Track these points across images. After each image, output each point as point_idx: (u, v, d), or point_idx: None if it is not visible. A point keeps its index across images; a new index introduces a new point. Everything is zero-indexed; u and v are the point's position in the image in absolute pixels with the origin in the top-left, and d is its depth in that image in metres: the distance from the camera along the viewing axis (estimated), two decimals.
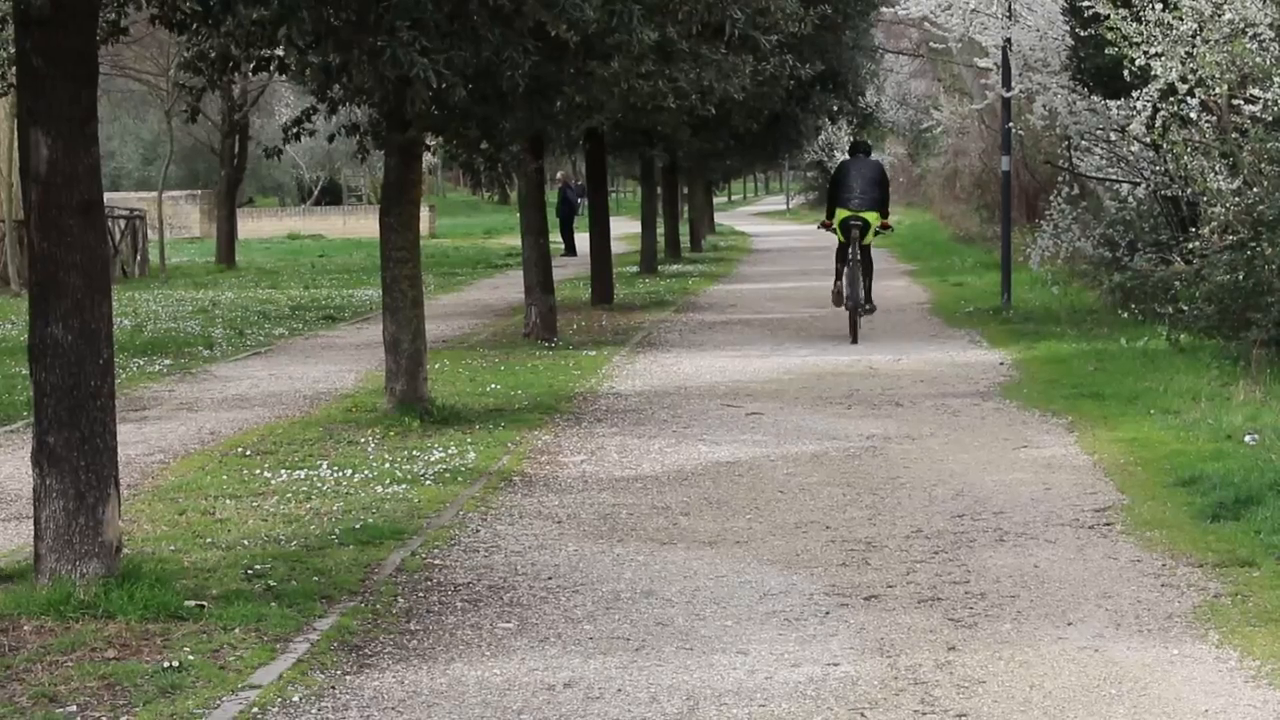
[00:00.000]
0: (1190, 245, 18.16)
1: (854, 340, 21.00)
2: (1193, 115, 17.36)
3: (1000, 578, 8.97)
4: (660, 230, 40.05)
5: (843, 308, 21.58)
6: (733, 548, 9.91)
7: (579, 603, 8.69)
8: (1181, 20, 17.17)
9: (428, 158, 24.94)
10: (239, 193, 45.98)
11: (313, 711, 6.97)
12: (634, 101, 16.89)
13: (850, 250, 21.03)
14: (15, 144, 20.06)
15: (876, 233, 21.39)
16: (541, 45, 12.83)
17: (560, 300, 24.04)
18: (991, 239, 35.92)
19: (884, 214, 21.46)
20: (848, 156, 22.31)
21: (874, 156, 23.71)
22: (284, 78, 16.21)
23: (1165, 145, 18.11)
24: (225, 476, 12.22)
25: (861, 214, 20.98)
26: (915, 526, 10.37)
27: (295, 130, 15.15)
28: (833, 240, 21.80)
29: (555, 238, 36.65)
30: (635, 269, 35.73)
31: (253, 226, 57.44)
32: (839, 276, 21.49)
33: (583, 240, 34.61)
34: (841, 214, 21.11)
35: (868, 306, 21.48)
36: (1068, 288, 25.85)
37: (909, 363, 18.82)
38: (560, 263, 33.07)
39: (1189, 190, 18.38)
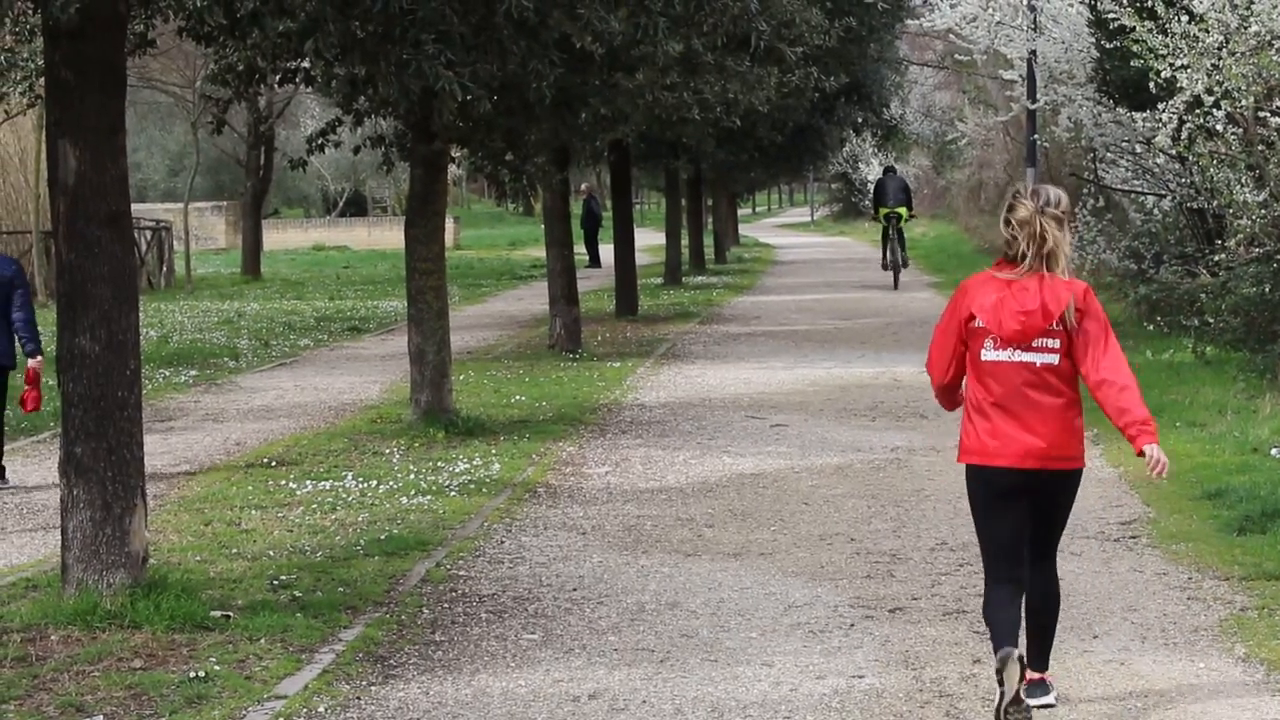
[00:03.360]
0: (1216, 258, 18.11)
1: (895, 287, 33.10)
2: (1219, 127, 17.29)
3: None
4: (685, 242, 40.05)
5: (887, 270, 34.22)
6: (757, 559, 9.91)
7: (604, 614, 8.70)
8: (1207, 32, 17.12)
9: (452, 169, 24.98)
10: (264, 204, 46.08)
11: None
12: (659, 113, 16.91)
13: (890, 232, 33.96)
14: (43, 155, 20.02)
15: (907, 220, 34.59)
16: (567, 57, 12.85)
17: (585, 311, 24.06)
18: None
19: (909, 208, 34.80)
20: (883, 175, 36.05)
21: (898, 172, 37.95)
22: (310, 90, 16.27)
23: (1191, 157, 18.06)
24: (251, 487, 12.26)
25: (896, 209, 33.81)
26: (940, 539, 10.36)
27: (321, 142, 15.20)
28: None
29: (580, 249, 36.68)
30: (660, 280, 35.74)
31: (278, 238, 57.58)
32: (885, 251, 34.64)
33: (607, 252, 34.62)
34: (884, 210, 34.06)
35: (904, 262, 34.62)
36: None
37: None
38: (585, 274, 33.09)
39: (1215, 202, 18.32)
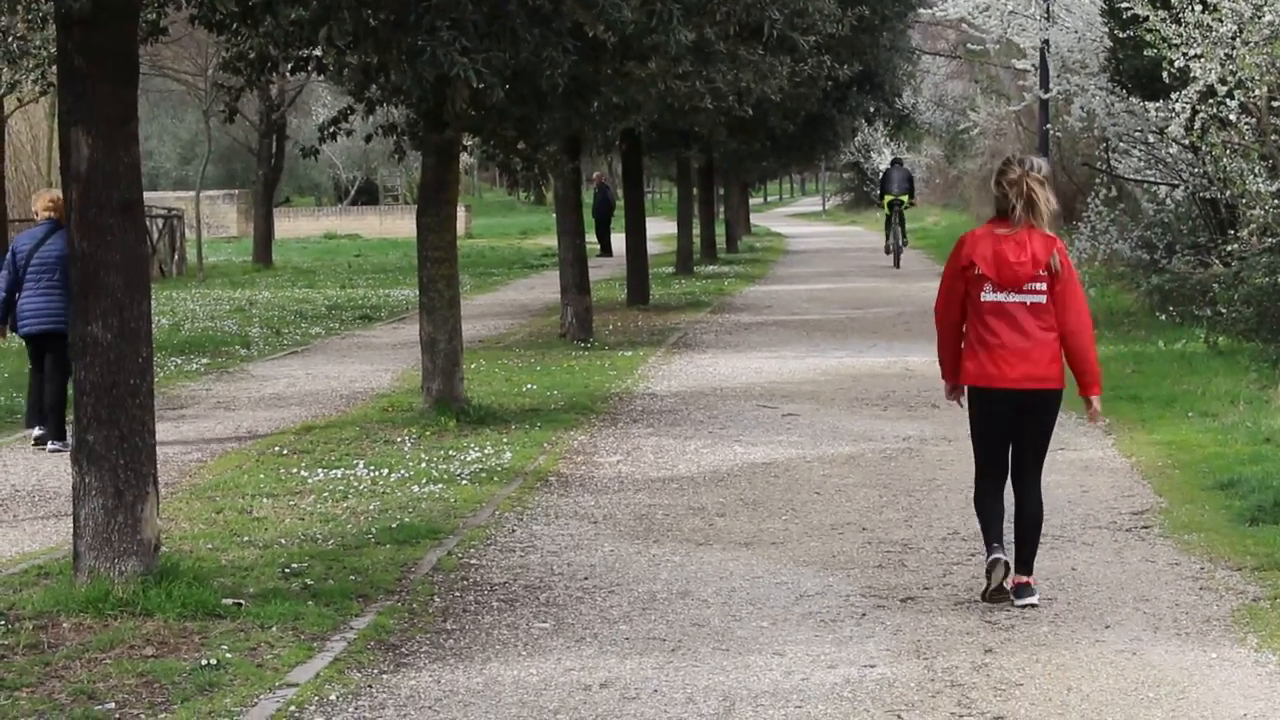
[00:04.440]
0: (1229, 247, 18.08)
1: (897, 266, 36.62)
2: (1232, 117, 17.26)
3: (1037, 580, 8.93)
4: (696, 231, 40.03)
5: (889, 253, 38.04)
6: (769, 549, 9.91)
7: (615, 603, 8.70)
8: (1221, 22, 17.09)
9: (464, 158, 24.98)
10: (276, 192, 46.09)
11: (349, 710, 6.99)
12: (671, 102, 16.89)
13: (892, 218, 37.64)
14: (55, 143, 20.03)
15: (908, 206, 38.73)
16: (579, 46, 12.84)
17: (596, 300, 24.06)
18: None
19: (912, 196, 39.13)
20: (890, 166, 40.14)
21: (904, 163, 42.67)
22: (322, 78, 16.25)
23: (1204, 147, 18.03)
24: (262, 475, 12.27)
25: (899, 197, 37.60)
26: (952, 528, 10.35)
27: (332, 130, 15.19)
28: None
29: (591, 238, 36.66)
30: (671, 270, 35.73)
31: (289, 226, 57.57)
32: (887, 236, 38.65)
33: (619, 241, 34.61)
34: (888, 198, 37.82)
35: (904, 243, 37.99)
36: (1105, 290, 25.74)
37: None
38: (596, 263, 33.07)
39: (1228, 192, 18.28)
